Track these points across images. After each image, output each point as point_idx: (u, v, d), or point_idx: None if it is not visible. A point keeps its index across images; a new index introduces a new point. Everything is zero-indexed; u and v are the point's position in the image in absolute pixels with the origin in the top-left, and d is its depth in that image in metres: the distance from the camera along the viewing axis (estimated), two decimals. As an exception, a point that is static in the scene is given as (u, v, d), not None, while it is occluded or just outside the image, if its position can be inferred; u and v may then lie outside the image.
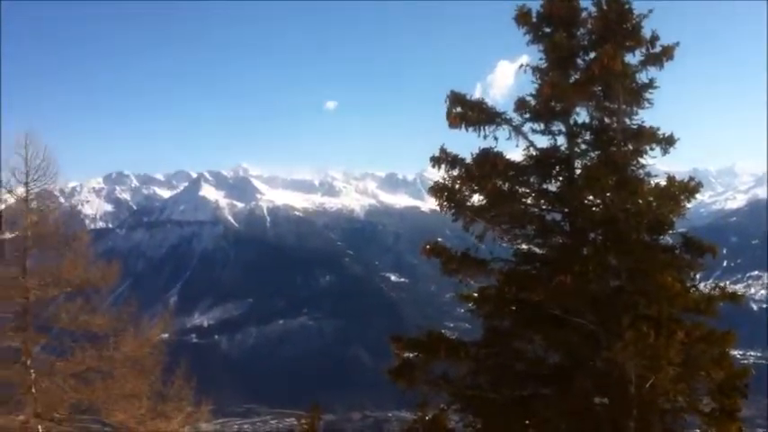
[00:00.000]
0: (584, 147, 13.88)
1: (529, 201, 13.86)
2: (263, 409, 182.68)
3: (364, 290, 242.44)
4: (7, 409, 13.71)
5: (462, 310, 16.27)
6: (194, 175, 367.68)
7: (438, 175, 13.69)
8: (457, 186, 13.49)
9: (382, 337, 15.54)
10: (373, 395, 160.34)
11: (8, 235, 14.35)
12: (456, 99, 13.44)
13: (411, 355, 14.08)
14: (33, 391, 13.26)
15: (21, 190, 13.96)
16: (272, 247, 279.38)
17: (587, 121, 13.87)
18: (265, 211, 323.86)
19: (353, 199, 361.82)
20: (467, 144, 13.64)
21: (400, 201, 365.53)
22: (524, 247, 14.05)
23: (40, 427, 13.24)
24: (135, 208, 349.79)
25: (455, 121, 13.44)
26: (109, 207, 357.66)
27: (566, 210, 13.78)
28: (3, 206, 14.11)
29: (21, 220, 13.96)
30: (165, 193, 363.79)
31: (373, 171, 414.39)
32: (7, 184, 13.72)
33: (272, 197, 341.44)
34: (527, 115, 13.78)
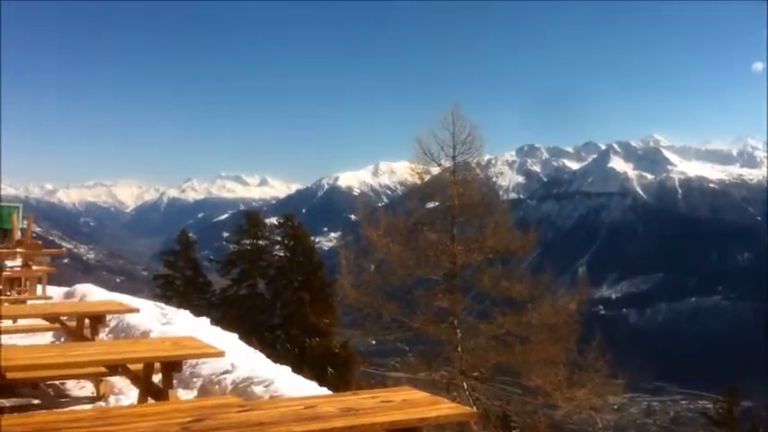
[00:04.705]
0: None
1: None
2: (672, 388, 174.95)
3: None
4: (436, 364, 14.94)
5: None
6: (603, 147, 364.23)
7: None
8: None
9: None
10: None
11: (436, 204, 15.53)
12: None
13: None
14: (459, 349, 14.24)
15: (446, 162, 14.99)
16: (684, 221, 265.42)
17: None
18: (677, 183, 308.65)
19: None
20: None
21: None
22: None
23: (464, 382, 14.18)
24: (545, 179, 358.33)
25: None
26: (520, 179, 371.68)
27: None
28: (428, 177, 15.24)
29: (448, 190, 15.02)
30: (574, 165, 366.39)
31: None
32: (437, 156, 14.85)
33: (685, 168, 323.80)
34: None
